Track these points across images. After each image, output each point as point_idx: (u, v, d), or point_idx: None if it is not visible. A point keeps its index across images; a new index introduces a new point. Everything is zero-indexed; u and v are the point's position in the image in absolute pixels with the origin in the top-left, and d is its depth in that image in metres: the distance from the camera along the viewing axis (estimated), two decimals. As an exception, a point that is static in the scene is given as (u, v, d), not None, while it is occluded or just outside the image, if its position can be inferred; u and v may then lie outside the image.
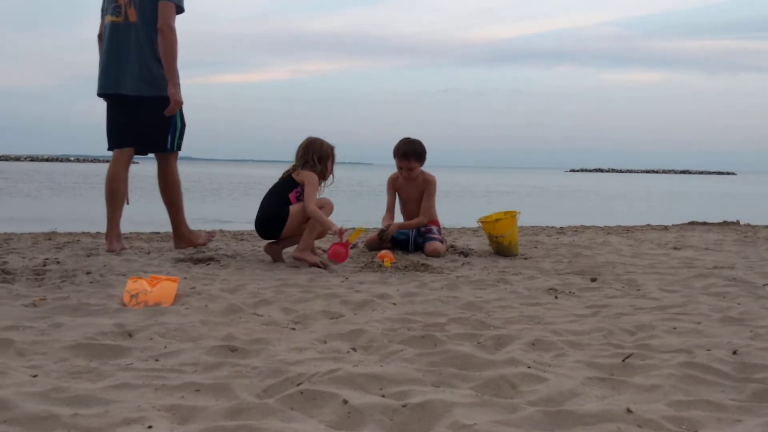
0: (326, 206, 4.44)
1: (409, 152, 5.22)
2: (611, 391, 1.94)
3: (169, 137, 4.84)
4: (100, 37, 4.92)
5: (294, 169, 4.47)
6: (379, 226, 5.39)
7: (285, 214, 4.36)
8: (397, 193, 5.43)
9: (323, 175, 4.48)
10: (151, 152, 4.95)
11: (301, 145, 4.52)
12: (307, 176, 4.38)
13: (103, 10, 4.85)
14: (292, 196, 4.42)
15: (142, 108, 4.72)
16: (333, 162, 4.54)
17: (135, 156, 4.94)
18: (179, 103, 4.73)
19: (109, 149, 4.88)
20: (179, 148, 4.96)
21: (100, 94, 4.83)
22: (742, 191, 32.05)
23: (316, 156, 4.45)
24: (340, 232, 4.22)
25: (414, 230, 5.24)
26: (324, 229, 4.45)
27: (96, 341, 2.34)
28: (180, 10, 4.72)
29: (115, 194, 4.75)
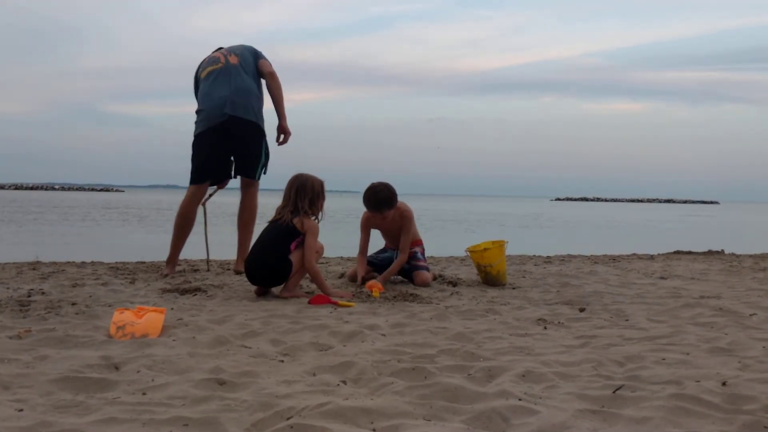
0: (319, 250, 4.42)
1: (380, 203, 5.00)
2: (603, 423, 1.94)
3: (260, 166, 5.46)
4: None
5: (287, 213, 4.33)
6: (369, 254, 5.39)
7: (289, 266, 4.27)
8: (374, 229, 5.33)
9: (316, 214, 4.45)
10: (243, 176, 5.44)
11: (291, 185, 4.40)
12: (311, 227, 4.32)
13: (200, 67, 5.51)
14: (293, 246, 4.32)
15: (250, 134, 5.29)
16: (324, 199, 4.50)
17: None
18: (289, 134, 5.52)
19: (200, 182, 5.37)
20: (259, 177, 5.50)
21: (217, 124, 5.22)
22: (726, 220, 32.34)
23: (308, 200, 4.36)
24: (336, 303, 4.02)
25: (397, 254, 5.18)
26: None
27: (82, 374, 2.32)
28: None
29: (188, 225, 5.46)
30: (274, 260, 4.27)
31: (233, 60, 5.36)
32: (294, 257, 4.29)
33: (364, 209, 5.11)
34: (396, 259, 5.09)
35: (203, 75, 5.41)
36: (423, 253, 5.29)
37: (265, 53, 5.51)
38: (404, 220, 5.12)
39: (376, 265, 5.25)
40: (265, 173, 5.59)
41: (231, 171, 5.47)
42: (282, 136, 5.51)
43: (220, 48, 5.59)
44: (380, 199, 5.01)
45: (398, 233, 5.16)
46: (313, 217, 4.40)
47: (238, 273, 5.32)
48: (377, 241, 5.42)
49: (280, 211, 4.40)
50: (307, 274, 4.41)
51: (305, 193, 4.37)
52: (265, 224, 4.47)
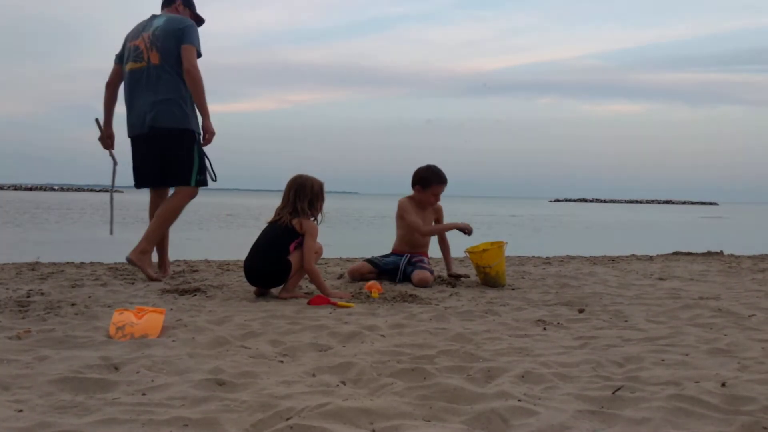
0: (318, 251, 4.41)
1: (445, 178, 5.41)
2: (602, 424, 1.94)
3: (192, 172, 5.08)
4: (109, 85, 5.26)
5: (287, 214, 4.34)
6: (368, 255, 5.43)
7: (288, 266, 4.28)
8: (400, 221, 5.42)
9: (315, 216, 4.45)
10: (175, 185, 5.13)
11: (290, 186, 4.40)
12: (310, 228, 4.32)
13: (121, 57, 5.22)
14: (292, 246, 4.32)
15: (171, 142, 4.98)
16: (323, 200, 4.49)
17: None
18: (214, 134, 5.06)
19: (138, 187, 5.19)
20: (200, 184, 5.16)
21: (134, 135, 5.10)
22: (725, 221, 32.36)
23: (307, 201, 4.36)
24: (335, 304, 4.02)
25: (405, 258, 5.25)
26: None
27: (82, 375, 2.31)
28: (199, 54, 5.03)
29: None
30: (273, 261, 4.26)
31: (154, 59, 5.00)
32: (293, 258, 4.29)
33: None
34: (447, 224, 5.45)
35: (126, 68, 5.12)
36: (428, 262, 5.38)
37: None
38: (439, 212, 5.58)
39: (381, 267, 5.27)
40: (214, 179, 5.26)
41: (163, 179, 5.17)
42: (206, 136, 5.10)
43: (150, 22, 5.15)
44: (445, 178, 5.41)
45: (429, 224, 5.44)
46: (312, 219, 4.40)
47: (128, 260, 4.96)
48: (383, 244, 5.45)
49: (279, 212, 4.39)
50: (306, 276, 4.42)
51: (305, 195, 4.36)
52: (263, 226, 4.46)
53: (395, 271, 5.23)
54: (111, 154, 5.35)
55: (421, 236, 5.38)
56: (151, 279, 4.95)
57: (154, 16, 5.22)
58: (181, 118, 4.99)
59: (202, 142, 5.10)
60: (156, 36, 5.04)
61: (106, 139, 5.31)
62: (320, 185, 4.45)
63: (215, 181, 5.26)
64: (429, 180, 5.35)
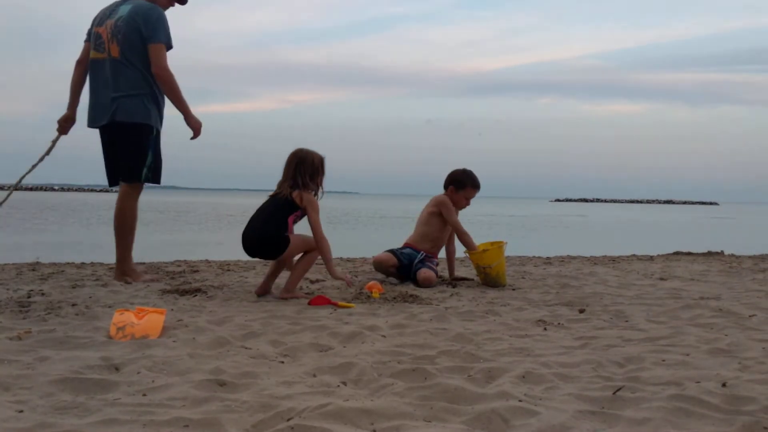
0: (314, 246, 4.34)
1: (479, 184, 5.41)
2: (603, 425, 1.94)
3: (144, 168, 4.80)
4: (79, 63, 4.98)
5: (287, 187, 4.29)
6: (368, 255, 5.42)
7: (285, 241, 4.22)
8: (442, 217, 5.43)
9: (315, 190, 4.39)
10: (125, 181, 4.85)
11: (291, 160, 4.36)
12: (311, 201, 4.28)
13: (89, 39, 4.93)
14: (290, 219, 4.28)
15: (126, 136, 4.74)
16: (323, 175, 4.41)
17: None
18: (200, 125, 4.89)
19: (111, 185, 4.98)
20: (148, 180, 4.88)
21: (93, 127, 4.90)
22: (725, 221, 32.36)
23: (308, 175, 4.31)
24: (336, 304, 4.00)
25: (420, 255, 5.26)
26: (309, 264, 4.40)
27: (82, 375, 2.31)
28: (169, 47, 4.81)
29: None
30: (272, 230, 4.23)
31: (114, 52, 4.73)
32: (293, 243, 4.26)
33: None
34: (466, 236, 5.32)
35: (91, 56, 4.87)
36: (436, 264, 5.40)
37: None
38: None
39: (401, 260, 5.26)
40: (158, 182, 4.96)
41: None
42: (194, 133, 4.92)
43: (116, 8, 4.87)
44: (479, 182, 5.42)
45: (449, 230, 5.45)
46: (313, 193, 4.36)
47: (117, 279, 4.85)
48: (383, 244, 5.45)
49: (280, 185, 4.36)
50: (306, 276, 4.43)
51: (305, 168, 4.32)
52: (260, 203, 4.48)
53: (410, 267, 5.23)
54: (53, 141, 5.05)
55: (459, 237, 5.35)
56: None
57: (119, 2, 4.92)
58: (139, 113, 4.74)
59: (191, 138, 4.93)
60: (118, 27, 4.76)
61: (63, 122, 5.04)
62: (321, 159, 4.39)
63: (157, 183, 4.97)
64: (464, 183, 5.35)
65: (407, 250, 5.34)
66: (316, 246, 4.29)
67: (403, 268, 5.25)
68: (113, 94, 4.72)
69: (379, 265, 5.28)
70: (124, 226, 4.82)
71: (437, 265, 5.41)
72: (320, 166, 4.39)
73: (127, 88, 4.72)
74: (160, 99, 4.88)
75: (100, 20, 4.89)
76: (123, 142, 4.77)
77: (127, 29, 4.72)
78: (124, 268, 4.86)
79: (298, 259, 4.39)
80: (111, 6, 4.94)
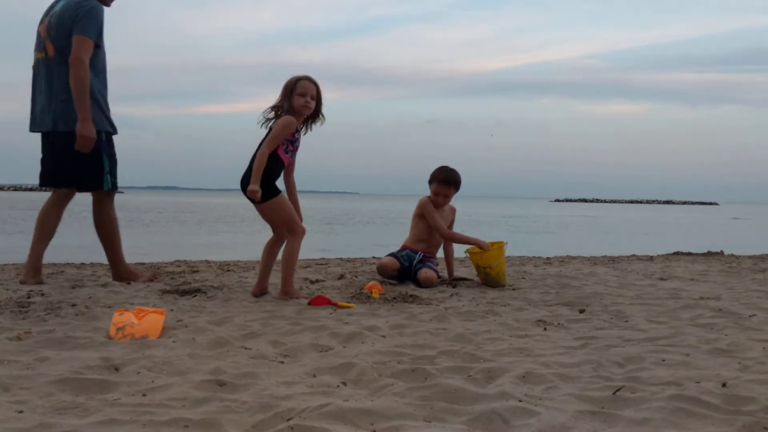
0: (300, 233, 4.25)
1: (450, 180, 5.36)
2: (603, 425, 1.94)
3: (105, 175, 4.65)
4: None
5: (275, 117, 4.23)
6: (368, 255, 5.41)
7: (269, 190, 4.15)
8: (423, 218, 5.42)
9: (298, 111, 4.19)
10: (86, 190, 4.73)
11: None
12: (278, 123, 4.16)
13: (35, 46, 4.72)
14: (280, 151, 4.19)
15: (68, 146, 4.48)
16: (300, 95, 4.17)
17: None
18: (91, 139, 4.44)
19: (41, 185, 4.79)
20: (113, 186, 4.75)
21: (35, 131, 4.73)
22: (725, 221, 32.35)
23: (285, 99, 4.20)
24: (336, 305, 3.94)
25: (418, 256, 5.26)
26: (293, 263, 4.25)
27: (82, 375, 2.31)
28: (97, 45, 4.52)
29: (44, 228, 4.69)
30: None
31: (50, 51, 4.51)
32: (278, 209, 4.19)
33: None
34: (464, 237, 5.41)
35: (34, 57, 4.67)
36: (436, 264, 5.40)
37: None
38: (454, 213, 5.58)
39: (401, 262, 5.26)
40: (114, 182, 4.75)
41: (68, 181, 4.68)
42: (78, 140, 4.44)
43: (54, 4, 4.63)
44: (453, 178, 5.38)
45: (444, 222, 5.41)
46: (310, 122, 4.33)
47: (117, 281, 4.80)
48: (395, 239, 5.45)
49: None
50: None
51: (283, 93, 4.23)
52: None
53: (409, 268, 5.24)
54: None
55: (441, 238, 5.38)
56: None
57: None
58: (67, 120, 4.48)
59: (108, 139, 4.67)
60: (51, 24, 4.52)
61: None
62: (293, 80, 4.22)
63: (116, 189, 4.82)
64: (433, 178, 5.38)
65: (405, 252, 5.35)
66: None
67: (404, 270, 5.25)
68: (51, 97, 4.51)
69: (383, 270, 5.26)
70: (107, 234, 4.79)
71: (437, 265, 5.41)
72: (291, 84, 4.21)
73: (62, 89, 4.47)
74: (99, 97, 4.60)
75: (42, 17, 4.66)
76: (71, 153, 4.48)
77: (58, 25, 4.49)
78: (120, 271, 4.85)
79: (283, 256, 4.31)
80: (53, 2, 4.71)
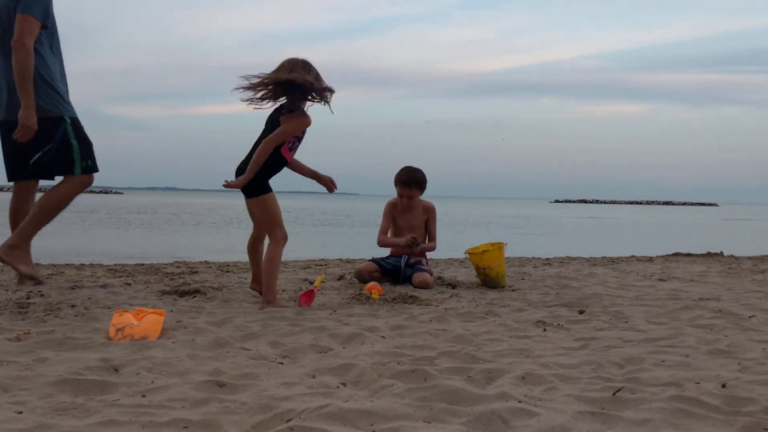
0: (282, 238, 4.00)
1: (410, 180, 5.30)
2: (602, 426, 1.94)
3: (76, 160, 4.38)
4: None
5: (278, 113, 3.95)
6: (368, 255, 5.41)
7: (260, 187, 3.97)
8: (394, 221, 5.44)
9: (303, 96, 3.86)
10: (57, 176, 4.46)
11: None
12: (286, 120, 3.90)
13: None
14: (284, 148, 3.97)
15: (43, 132, 4.23)
16: (297, 73, 3.79)
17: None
18: (32, 129, 4.15)
19: (9, 180, 4.60)
20: (89, 170, 4.47)
21: (2, 121, 4.43)
22: (725, 222, 32.37)
23: (309, 76, 3.83)
24: (315, 289, 3.87)
25: (404, 260, 5.25)
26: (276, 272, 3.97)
27: (81, 376, 2.31)
28: (44, 25, 4.24)
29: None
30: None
31: (2, 35, 4.26)
32: (265, 210, 4.00)
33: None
34: (427, 245, 5.35)
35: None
36: (427, 262, 5.38)
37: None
38: (430, 212, 5.44)
39: (384, 267, 5.27)
40: (91, 166, 4.46)
41: (37, 170, 4.40)
42: (19, 126, 4.15)
43: None
44: (412, 177, 5.31)
45: (417, 226, 5.37)
46: (317, 101, 3.93)
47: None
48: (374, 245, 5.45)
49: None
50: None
51: (311, 72, 3.89)
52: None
53: (396, 272, 5.23)
54: None
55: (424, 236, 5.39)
56: (24, 276, 4.38)
57: None
58: (43, 106, 4.24)
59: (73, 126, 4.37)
60: (1, 7, 4.31)
61: None
62: (308, 63, 3.93)
63: (96, 171, 4.55)
64: (395, 180, 5.37)
65: (391, 259, 5.35)
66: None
67: (389, 272, 5.22)
68: (8, 84, 4.26)
69: (359, 276, 5.22)
70: (48, 212, 4.36)
71: (428, 264, 5.38)
72: (310, 65, 3.89)
73: (13, 78, 4.19)
74: (57, 83, 4.38)
75: None
76: (35, 142, 4.23)
77: (4, 6, 4.28)
78: (11, 249, 4.24)
79: (264, 263, 4.03)
80: None
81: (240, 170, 4.03)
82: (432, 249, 5.43)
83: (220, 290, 4.56)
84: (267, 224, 4.08)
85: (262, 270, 4.07)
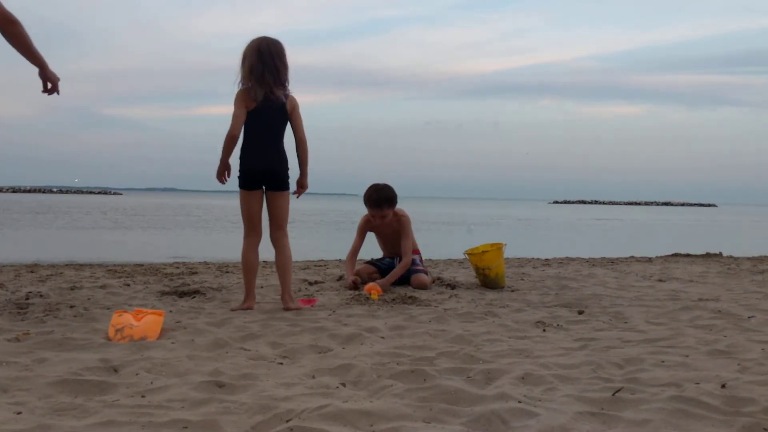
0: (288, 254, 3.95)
1: (381, 200, 5.12)
2: (602, 426, 1.94)
3: None
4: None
5: (281, 92, 3.84)
6: (367, 257, 5.40)
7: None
8: (374, 233, 5.39)
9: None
10: None
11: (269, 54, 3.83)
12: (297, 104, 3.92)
13: None
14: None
15: None
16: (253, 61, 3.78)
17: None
18: (58, 78, 3.84)
19: None
20: None
21: None
22: (724, 223, 32.37)
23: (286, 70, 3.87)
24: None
25: (397, 260, 5.24)
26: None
27: (81, 377, 2.31)
28: None
29: None
30: (282, 157, 3.95)
31: None
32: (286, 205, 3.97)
33: (362, 210, 5.13)
34: (398, 264, 5.11)
35: None
36: (421, 260, 5.35)
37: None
38: (402, 224, 5.21)
39: (380, 268, 5.27)
40: None
41: None
42: (49, 85, 3.81)
43: None
44: (381, 197, 5.14)
45: (394, 238, 5.25)
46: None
47: None
48: (373, 248, 5.45)
49: (266, 91, 3.81)
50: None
51: (284, 60, 3.87)
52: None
53: (391, 269, 5.22)
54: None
55: (402, 240, 5.29)
56: None
57: None
58: None
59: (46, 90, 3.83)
60: None
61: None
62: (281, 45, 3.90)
63: None
64: (364, 202, 5.23)
65: (386, 260, 5.36)
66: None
67: (385, 273, 5.19)
68: None
69: (351, 285, 5.19)
70: None
71: (423, 264, 5.36)
72: (283, 49, 3.88)
73: None
74: None
75: None
76: None
77: None
78: None
79: (280, 267, 3.95)
80: None
81: (271, 171, 3.88)
82: (405, 267, 5.09)
83: (220, 291, 4.56)
84: (286, 216, 3.98)
85: (282, 272, 3.93)
